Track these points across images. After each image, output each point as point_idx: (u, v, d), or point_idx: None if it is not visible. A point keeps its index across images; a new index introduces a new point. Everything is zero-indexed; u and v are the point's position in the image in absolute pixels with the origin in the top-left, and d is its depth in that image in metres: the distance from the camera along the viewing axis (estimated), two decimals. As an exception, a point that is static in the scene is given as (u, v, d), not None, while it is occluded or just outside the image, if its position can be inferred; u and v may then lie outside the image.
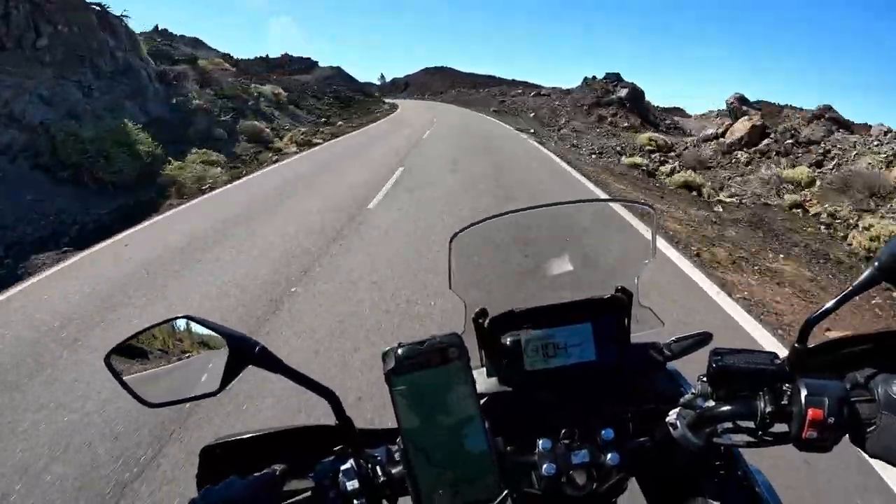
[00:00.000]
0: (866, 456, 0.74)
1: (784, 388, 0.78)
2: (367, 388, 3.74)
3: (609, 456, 0.85)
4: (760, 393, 0.79)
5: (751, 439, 0.82)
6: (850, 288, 0.79)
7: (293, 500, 0.77)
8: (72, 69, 14.43)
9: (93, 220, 9.82)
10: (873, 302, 6.19)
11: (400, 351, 0.75)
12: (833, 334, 4.26)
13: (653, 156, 23.74)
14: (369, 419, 3.31)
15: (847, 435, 0.75)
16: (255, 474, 0.78)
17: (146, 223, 9.02)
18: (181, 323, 0.82)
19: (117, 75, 16.48)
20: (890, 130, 22.23)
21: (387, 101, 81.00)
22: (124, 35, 17.88)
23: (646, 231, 1.10)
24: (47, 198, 10.51)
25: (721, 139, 25.44)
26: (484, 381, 1.01)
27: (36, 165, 11.42)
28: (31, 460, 3.10)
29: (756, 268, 6.83)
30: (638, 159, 20.86)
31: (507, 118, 37.86)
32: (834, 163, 19.99)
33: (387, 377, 0.74)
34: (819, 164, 20.11)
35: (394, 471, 0.78)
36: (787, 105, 34.48)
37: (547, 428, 0.88)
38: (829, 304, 0.80)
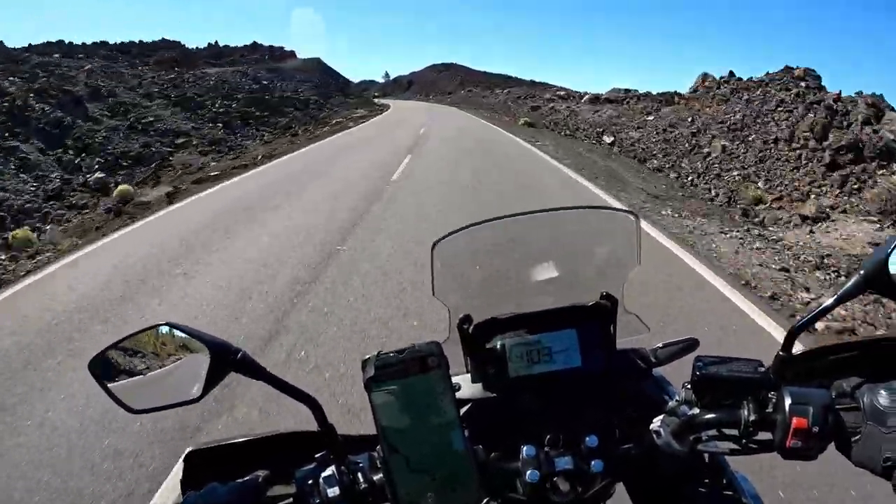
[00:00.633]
0: None
1: (768, 396, 0.78)
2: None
3: (593, 463, 0.85)
4: (745, 401, 0.79)
5: (735, 447, 0.81)
6: (836, 296, 0.79)
7: None
8: None
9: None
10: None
11: (379, 359, 0.75)
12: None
13: None
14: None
15: (833, 443, 0.75)
16: (238, 480, 0.79)
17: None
18: (163, 330, 0.82)
19: None
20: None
21: (381, 101, 77.05)
22: None
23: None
24: None
25: None
26: (469, 388, 1.01)
27: None
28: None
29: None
30: None
31: (588, 159, 17.56)
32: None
33: (366, 385, 0.74)
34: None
35: (375, 478, 0.78)
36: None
37: (531, 434, 0.88)
38: (813, 314, 0.80)
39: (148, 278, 6.32)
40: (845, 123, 19.80)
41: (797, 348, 0.84)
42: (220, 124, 29.88)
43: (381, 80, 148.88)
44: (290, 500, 0.78)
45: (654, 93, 31.43)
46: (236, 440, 0.91)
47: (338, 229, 7.93)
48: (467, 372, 1.03)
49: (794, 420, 0.72)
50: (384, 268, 6.26)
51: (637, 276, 1.08)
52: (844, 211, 15.46)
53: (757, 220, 13.61)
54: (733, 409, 0.79)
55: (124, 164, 16.71)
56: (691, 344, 1.05)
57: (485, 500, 0.82)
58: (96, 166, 16.03)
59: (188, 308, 5.42)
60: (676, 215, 9.86)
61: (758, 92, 23.78)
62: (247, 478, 0.79)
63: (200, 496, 0.75)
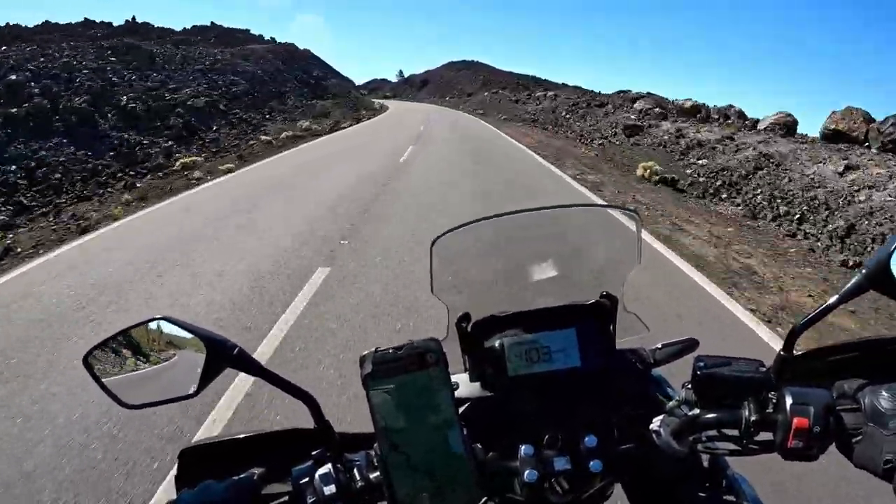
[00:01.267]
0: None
1: (769, 396, 0.78)
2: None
3: (592, 463, 0.85)
4: (745, 401, 0.78)
5: (735, 447, 0.81)
6: (837, 296, 0.78)
7: None
8: None
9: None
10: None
11: (377, 356, 0.75)
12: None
13: None
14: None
15: (834, 444, 0.74)
16: (233, 478, 0.78)
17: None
18: (159, 324, 0.81)
19: None
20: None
21: (382, 103, 64.62)
22: None
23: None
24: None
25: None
26: (467, 386, 1.01)
27: None
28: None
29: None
30: None
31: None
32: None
33: (364, 382, 0.74)
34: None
35: (372, 476, 0.78)
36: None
37: (529, 434, 0.88)
38: (814, 314, 0.80)
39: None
40: None
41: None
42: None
43: (396, 80, 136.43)
44: (286, 498, 0.77)
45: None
46: (232, 437, 0.90)
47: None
48: (465, 370, 1.02)
49: (796, 420, 0.71)
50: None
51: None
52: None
53: None
54: (734, 410, 0.79)
55: None
56: (691, 344, 1.05)
57: (482, 500, 0.81)
58: None
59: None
60: None
61: None
62: (242, 475, 0.79)
63: (195, 494, 0.74)
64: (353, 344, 4.37)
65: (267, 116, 32.68)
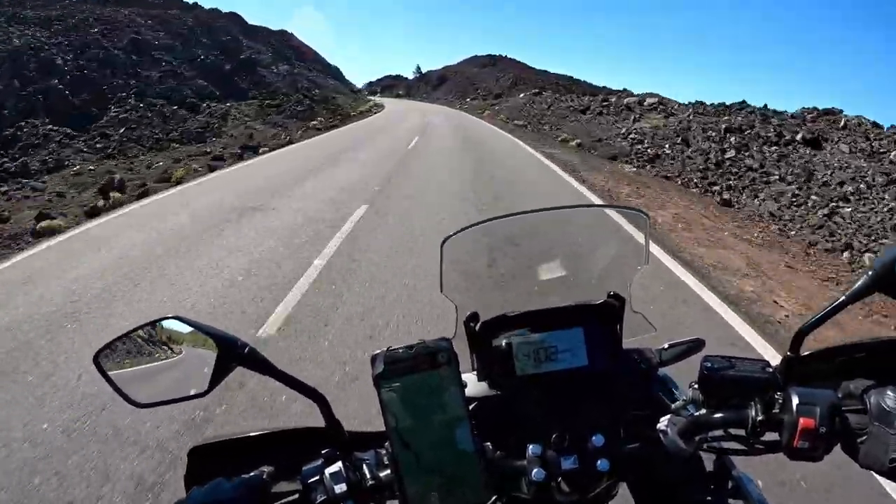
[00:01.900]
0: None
1: (775, 396, 0.78)
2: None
3: (599, 462, 0.85)
4: (752, 401, 0.79)
5: (741, 447, 0.82)
6: (843, 297, 0.79)
7: (280, 502, 0.77)
8: None
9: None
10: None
11: (388, 355, 0.75)
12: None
13: None
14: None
15: (839, 444, 0.75)
16: (243, 476, 0.78)
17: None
18: (170, 323, 0.82)
19: None
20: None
21: (371, 103, 50.01)
22: None
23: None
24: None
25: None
26: (475, 386, 1.01)
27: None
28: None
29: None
30: None
31: None
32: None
33: (375, 382, 0.74)
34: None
35: (382, 474, 0.78)
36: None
37: (537, 433, 0.88)
38: (821, 314, 0.80)
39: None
40: None
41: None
42: None
43: (413, 76, 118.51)
44: (296, 496, 0.77)
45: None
46: (241, 436, 0.91)
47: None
48: (473, 370, 1.03)
49: (802, 420, 0.72)
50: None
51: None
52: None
53: None
54: (740, 409, 0.79)
55: None
56: (697, 344, 1.05)
57: (491, 499, 0.82)
58: None
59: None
60: None
61: None
62: (252, 473, 0.79)
63: (205, 492, 0.74)
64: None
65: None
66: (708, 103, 29.87)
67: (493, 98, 61.42)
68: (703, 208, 11.78)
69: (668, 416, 0.88)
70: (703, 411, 0.83)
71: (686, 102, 30.96)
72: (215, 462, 0.86)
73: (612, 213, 1.56)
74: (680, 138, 20.34)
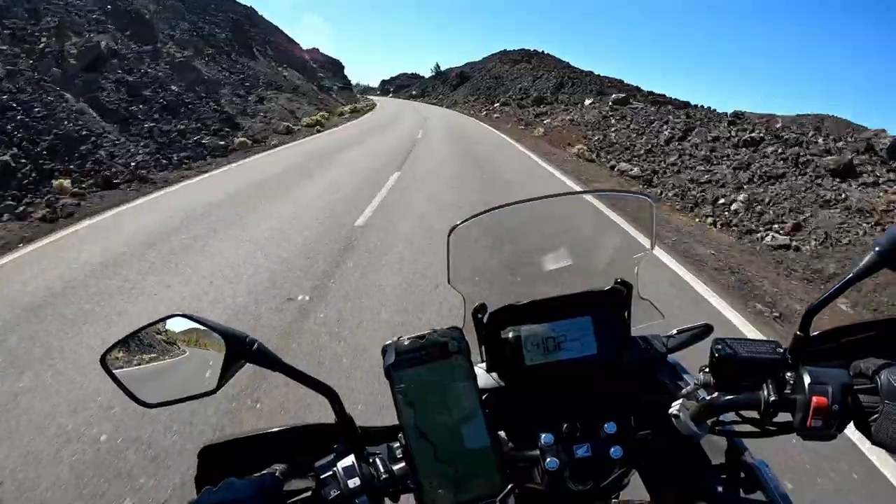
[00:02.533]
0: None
1: (787, 376, 0.78)
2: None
3: (612, 449, 0.86)
4: (764, 382, 0.78)
5: (754, 429, 0.82)
6: (851, 274, 0.78)
7: (294, 499, 0.76)
8: None
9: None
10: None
11: (399, 346, 0.75)
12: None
13: None
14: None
15: (853, 423, 0.75)
16: (255, 474, 0.78)
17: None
18: (177, 321, 0.81)
19: None
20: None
21: (344, 110, 33.75)
22: None
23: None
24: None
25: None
26: (484, 377, 1.01)
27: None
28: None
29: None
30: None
31: None
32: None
33: (387, 373, 0.74)
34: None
35: (395, 468, 0.78)
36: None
37: (548, 423, 0.88)
38: (829, 293, 0.80)
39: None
40: None
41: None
42: None
43: (432, 74, 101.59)
44: (310, 493, 0.77)
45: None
46: (251, 434, 0.90)
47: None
48: (482, 361, 1.02)
49: (815, 400, 0.72)
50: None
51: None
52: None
53: None
54: (752, 391, 0.79)
55: None
56: (706, 329, 1.05)
57: (506, 489, 0.82)
58: None
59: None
60: None
61: None
62: (264, 472, 0.78)
63: (218, 492, 0.73)
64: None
65: None
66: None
67: (534, 104, 40.18)
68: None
69: (681, 401, 0.88)
70: (715, 394, 0.83)
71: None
72: (226, 461, 0.86)
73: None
74: None
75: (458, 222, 1.03)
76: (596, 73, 62.56)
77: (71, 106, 13.53)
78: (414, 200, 9.24)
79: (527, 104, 42.14)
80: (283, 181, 10.90)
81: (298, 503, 0.76)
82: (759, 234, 9.14)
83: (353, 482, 0.75)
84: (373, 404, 3.30)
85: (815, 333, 0.83)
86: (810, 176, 11.46)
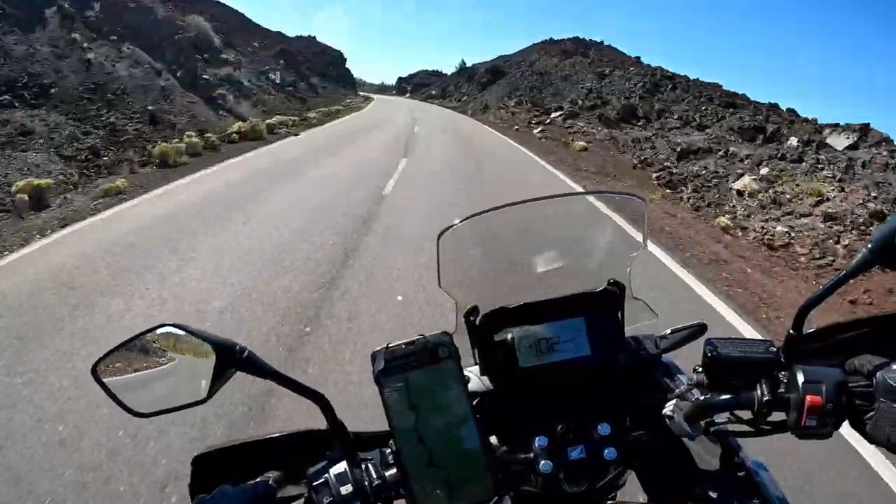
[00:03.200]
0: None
1: (781, 375, 0.78)
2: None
3: (606, 451, 0.85)
4: (757, 382, 0.78)
5: (749, 429, 0.81)
6: (844, 272, 0.78)
7: None
8: None
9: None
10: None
11: (389, 352, 0.75)
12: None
13: None
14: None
15: (848, 421, 0.75)
16: (249, 482, 0.78)
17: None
18: (167, 331, 0.81)
19: None
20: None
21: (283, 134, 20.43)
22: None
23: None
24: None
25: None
26: (477, 380, 1.01)
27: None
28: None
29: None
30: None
31: None
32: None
33: (376, 379, 0.74)
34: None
35: (388, 474, 0.77)
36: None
37: (542, 425, 0.88)
38: (822, 290, 0.80)
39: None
40: None
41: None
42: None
43: (455, 71, 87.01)
44: (303, 500, 0.77)
45: None
46: (244, 441, 0.91)
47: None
48: (475, 364, 1.02)
49: (809, 398, 0.72)
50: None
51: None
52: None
53: None
54: (746, 391, 0.79)
55: None
56: (699, 329, 1.05)
57: (499, 494, 0.82)
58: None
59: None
60: None
61: None
62: (258, 479, 0.79)
63: (211, 500, 0.74)
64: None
65: None
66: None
67: (622, 118, 28.11)
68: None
69: (674, 402, 0.88)
70: (709, 394, 0.83)
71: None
72: (220, 469, 0.86)
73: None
74: None
75: (448, 226, 1.03)
76: (692, 76, 42.02)
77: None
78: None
79: (610, 115, 27.52)
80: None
81: None
82: None
83: (346, 489, 0.75)
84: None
85: (808, 331, 0.82)
86: None
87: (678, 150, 19.80)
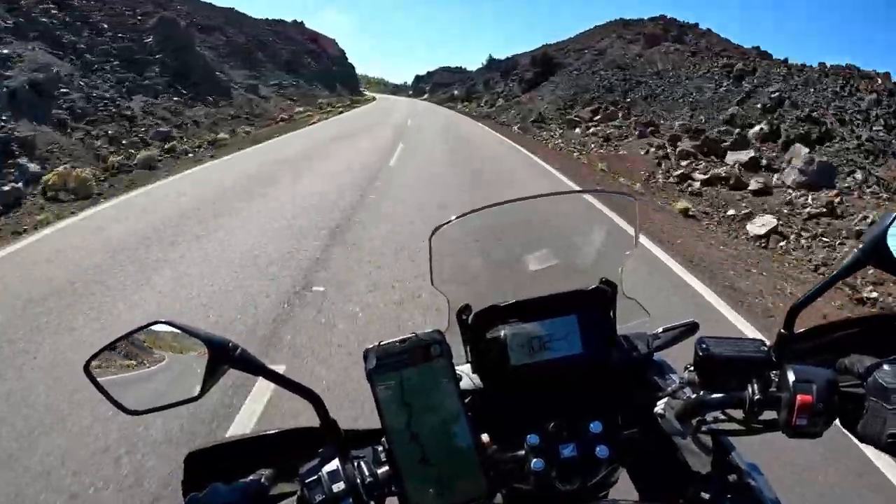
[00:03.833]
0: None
1: (772, 375, 0.79)
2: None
3: (598, 449, 0.85)
4: (748, 381, 0.79)
5: (740, 427, 0.82)
6: (835, 272, 0.79)
7: None
8: None
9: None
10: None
11: (380, 350, 0.75)
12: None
13: None
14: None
15: (838, 420, 0.75)
16: (241, 480, 0.78)
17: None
18: (159, 328, 0.80)
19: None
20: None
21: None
22: None
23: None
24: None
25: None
26: (470, 378, 1.01)
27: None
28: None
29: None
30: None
31: None
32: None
33: (368, 377, 0.74)
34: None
35: (380, 471, 0.77)
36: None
37: (534, 423, 0.88)
38: (813, 290, 0.81)
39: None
40: None
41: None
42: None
43: (482, 67, 71.00)
44: (295, 497, 0.77)
45: None
46: (237, 439, 0.90)
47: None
48: (468, 362, 1.02)
49: (799, 398, 0.72)
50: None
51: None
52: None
53: None
54: (737, 390, 0.80)
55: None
56: (691, 327, 1.05)
57: (490, 491, 0.82)
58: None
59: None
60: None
61: None
62: (250, 477, 0.79)
63: (203, 498, 0.74)
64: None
65: None
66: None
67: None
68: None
69: (666, 400, 0.89)
70: (700, 393, 0.83)
71: None
72: (212, 467, 0.86)
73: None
74: None
75: (439, 225, 1.03)
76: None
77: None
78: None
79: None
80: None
81: None
82: None
83: (338, 486, 0.75)
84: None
85: (800, 331, 0.83)
86: None
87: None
